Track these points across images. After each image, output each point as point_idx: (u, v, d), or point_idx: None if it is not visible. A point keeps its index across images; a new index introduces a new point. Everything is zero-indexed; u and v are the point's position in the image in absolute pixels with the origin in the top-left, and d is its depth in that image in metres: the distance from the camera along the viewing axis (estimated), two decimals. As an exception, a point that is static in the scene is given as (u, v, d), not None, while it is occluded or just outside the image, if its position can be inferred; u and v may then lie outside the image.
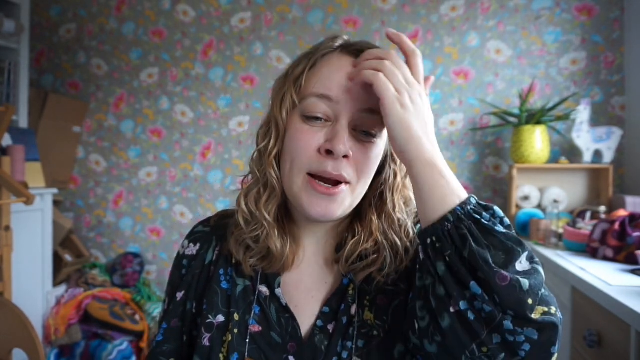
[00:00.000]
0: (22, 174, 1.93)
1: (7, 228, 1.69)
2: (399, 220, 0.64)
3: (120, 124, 2.59)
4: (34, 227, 2.09)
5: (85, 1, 2.60)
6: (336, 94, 0.56)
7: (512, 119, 2.10)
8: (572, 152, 2.10)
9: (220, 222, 0.70)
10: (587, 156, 1.96)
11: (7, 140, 1.97)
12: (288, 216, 0.66)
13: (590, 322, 1.24)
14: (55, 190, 2.23)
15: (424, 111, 0.53)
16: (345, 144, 0.55)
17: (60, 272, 2.33)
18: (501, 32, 2.20)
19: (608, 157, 1.96)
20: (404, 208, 0.65)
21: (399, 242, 0.62)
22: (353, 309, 0.60)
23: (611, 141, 1.95)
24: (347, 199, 0.58)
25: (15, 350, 1.08)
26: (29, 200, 1.65)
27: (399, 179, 0.64)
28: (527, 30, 2.17)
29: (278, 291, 0.63)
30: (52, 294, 2.22)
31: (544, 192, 2.04)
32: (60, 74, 2.65)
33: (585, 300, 1.27)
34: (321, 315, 0.62)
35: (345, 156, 0.56)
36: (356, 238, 0.63)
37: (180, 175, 2.54)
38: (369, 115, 0.57)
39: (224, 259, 0.66)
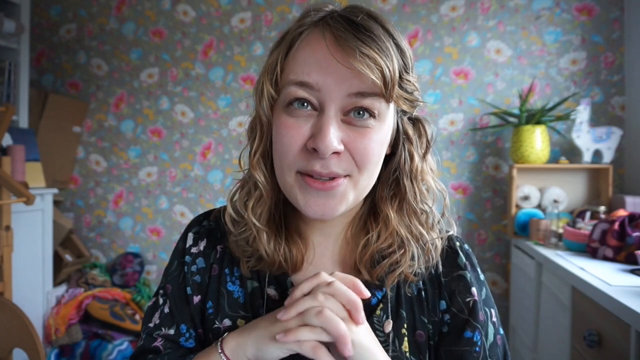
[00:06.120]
0: (22, 174, 1.93)
1: (8, 228, 1.69)
2: (422, 210, 0.56)
3: (120, 124, 2.59)
4: (34, 227, 2.09)
5: (85, 1, 2.60)
6: (316, 79, 0.48)
7: (512, 119, 2.10)
8: (572, 152, 2.10)
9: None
10: (587, 156, 1.96)
11: (7, 140, 1.97)
12: (291, 213, 0.60)
13: (590, 322, 1.24)
14: (55, 190, 2.23)
15: (367, 325, 0.51)
16: (331, 141, 0.47)
17: (60, 272, 2.33)
18: (501, 32, 2.20)
19: (608, 157, 1.96)
20: (427, 196, 0.56)
21: (425, 235, 0.55)
22: (387, 328, 0.54)
23: (611, 141, 1.95)
24: (350, 193, 0.51)
25: (15, 350, 1.08)
26: (29, 200, 1.65)
27: (416, 161, 0.55)
28: (527, 30, 2.17)
29: None
30: (53, 293, 2.21)
31: (544, 192, 2.03)
32: (60, 74, 2.65)
33: (585, 300, 1.27)
34: None
35: (336, 152, 0.49)
36: (369, 236, 0.56)
37: (181, 175, 2.54)
38: (361, 99, 0.48)
39: (229, 257, 0.61)
